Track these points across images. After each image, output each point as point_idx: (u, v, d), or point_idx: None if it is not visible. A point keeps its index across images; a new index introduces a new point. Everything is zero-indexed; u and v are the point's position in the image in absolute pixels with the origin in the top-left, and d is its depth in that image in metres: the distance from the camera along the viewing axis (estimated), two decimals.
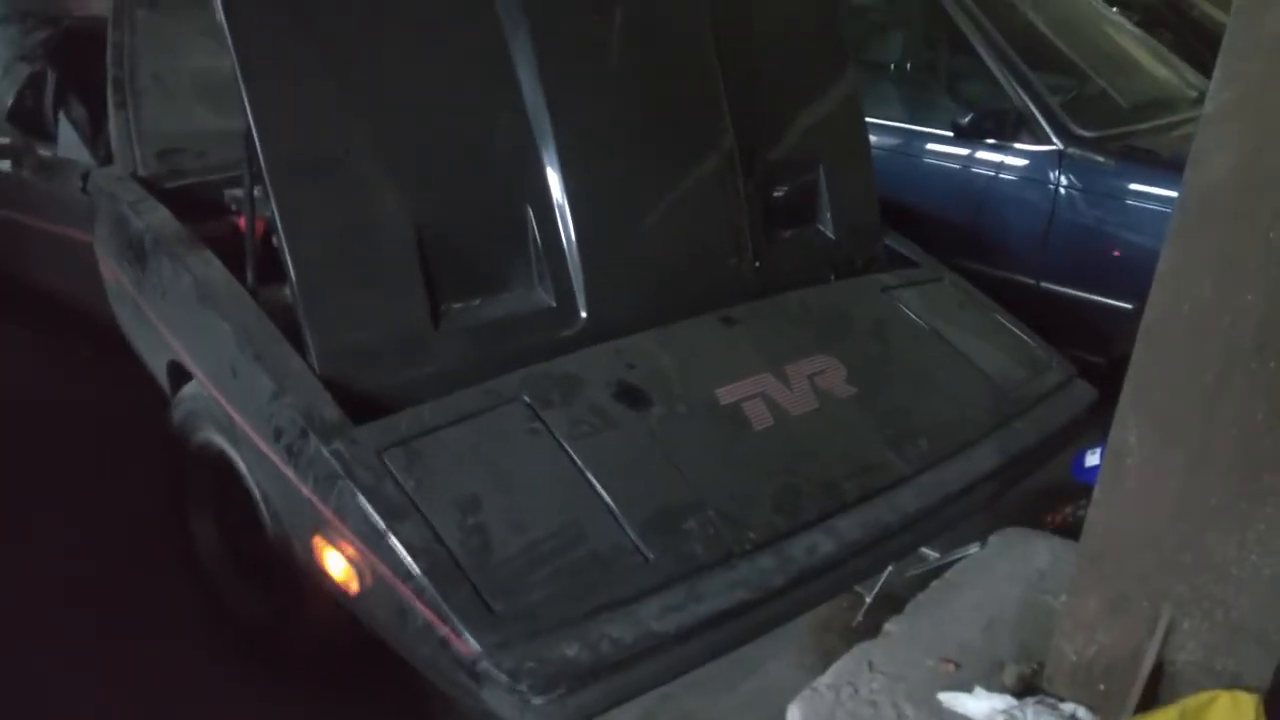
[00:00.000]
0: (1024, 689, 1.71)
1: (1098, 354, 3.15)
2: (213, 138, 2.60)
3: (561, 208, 2.21)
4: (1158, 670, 1.58)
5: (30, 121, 3.06)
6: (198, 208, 2.44)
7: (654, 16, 2.41)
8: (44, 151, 3.01)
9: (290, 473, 1.85)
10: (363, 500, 1.71)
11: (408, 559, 1.65)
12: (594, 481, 1.84)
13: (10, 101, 2.98)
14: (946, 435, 2.24)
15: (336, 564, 1.80)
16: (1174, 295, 1.49)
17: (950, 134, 3.55)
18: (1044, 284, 3.42)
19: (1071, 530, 2.34)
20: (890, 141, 3.74)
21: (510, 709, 1.59)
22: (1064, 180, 3.37)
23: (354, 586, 1.77)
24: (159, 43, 2.68)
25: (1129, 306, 3.18)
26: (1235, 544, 1.50)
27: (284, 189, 1.93)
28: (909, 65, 4.13)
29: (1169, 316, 1.50)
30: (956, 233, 3.51)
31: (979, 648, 1.83)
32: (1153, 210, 3.19)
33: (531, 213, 2.18)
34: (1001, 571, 2.07)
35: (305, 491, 1.82)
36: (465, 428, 1.88)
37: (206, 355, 2.14)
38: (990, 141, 3.50)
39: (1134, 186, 3.26)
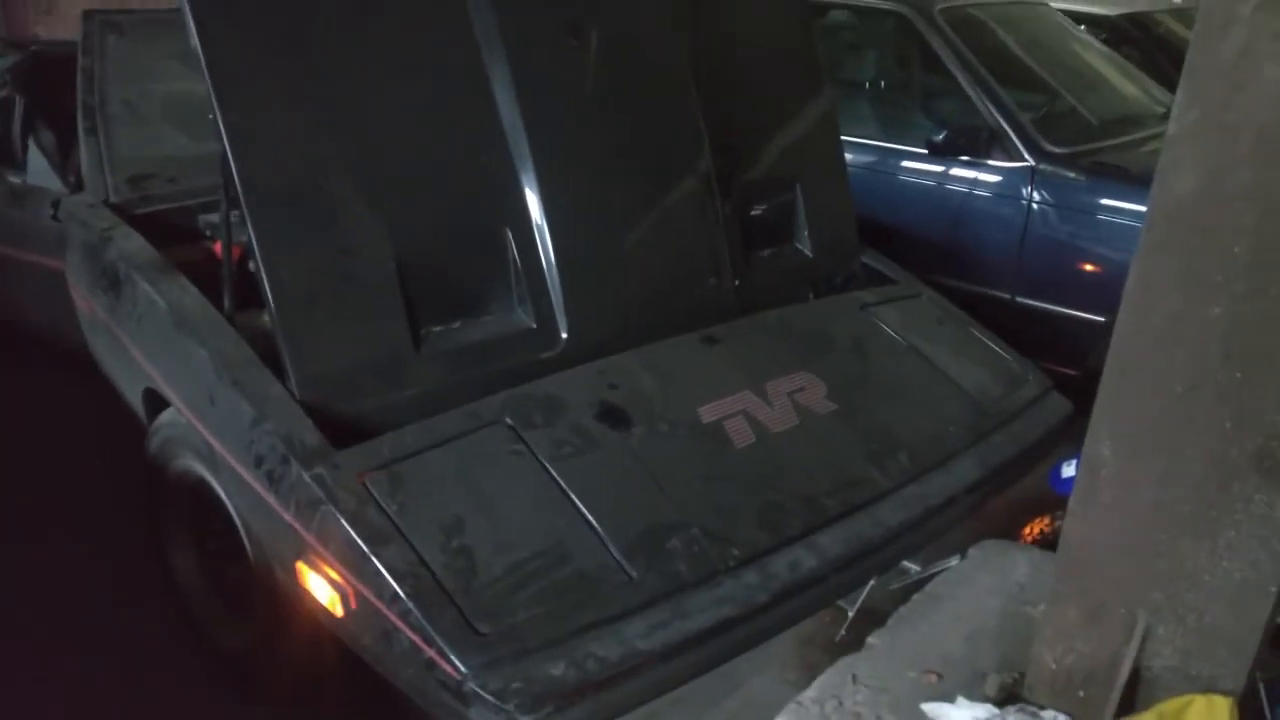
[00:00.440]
0: (1006, 698, 1.73)
1: (1072, 367, 3.20)
2: (184, 163, 2.61)
3: (541, 230, 2.22)
4: (1135, 676, 1.60)
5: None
6: (170, 234, 2.44)
7: (630, 39, 2.44)
8: (13, 179, 3.00)
9: (272, 499, 1.84)
10: (346, 525, 1.71)
11: (392, 582, 1.65)
12: (577, 502, 1.85)
13: None
14: (926, 449, 2.27)
15: (320, 589, 1.79)
16: (1143, 309, 1.52)
17: (924, 151, 3.61)
18: (1019, 299, 3.47)
19: (1049, 542, 2.37)
20: (865, 159, 3.79)
21: None
22: (1036, 196, 3.43)
23: (338, 611, 1.76)
24: (129, 68, 2.69)
25: (1102, 319, 3.23)
26: (1207, 551, 1.53)
27: (261, 214, 1.93)
28: (883, 84, 4.20)
29: (1138, 329, 1.53)
30: (932, 249, 3.57)
31: (961, 659, 1.84)
32: (1123, 225, 3.25)
33: (511, 235, 2.20)
34: (982, 584, 2.09)
35: (287, 517, 1.81)
36: (447, 450, 1.88)
37: (184, 382, 2.13)
38: (964, 159, 3.56)
39: (1104, 201, 3.32)
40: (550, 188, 2.22)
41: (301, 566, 1.82)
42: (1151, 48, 4.91)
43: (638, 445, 2.01)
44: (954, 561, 2.23)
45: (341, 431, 1.89)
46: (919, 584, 2.15)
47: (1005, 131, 3.48)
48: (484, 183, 2.20)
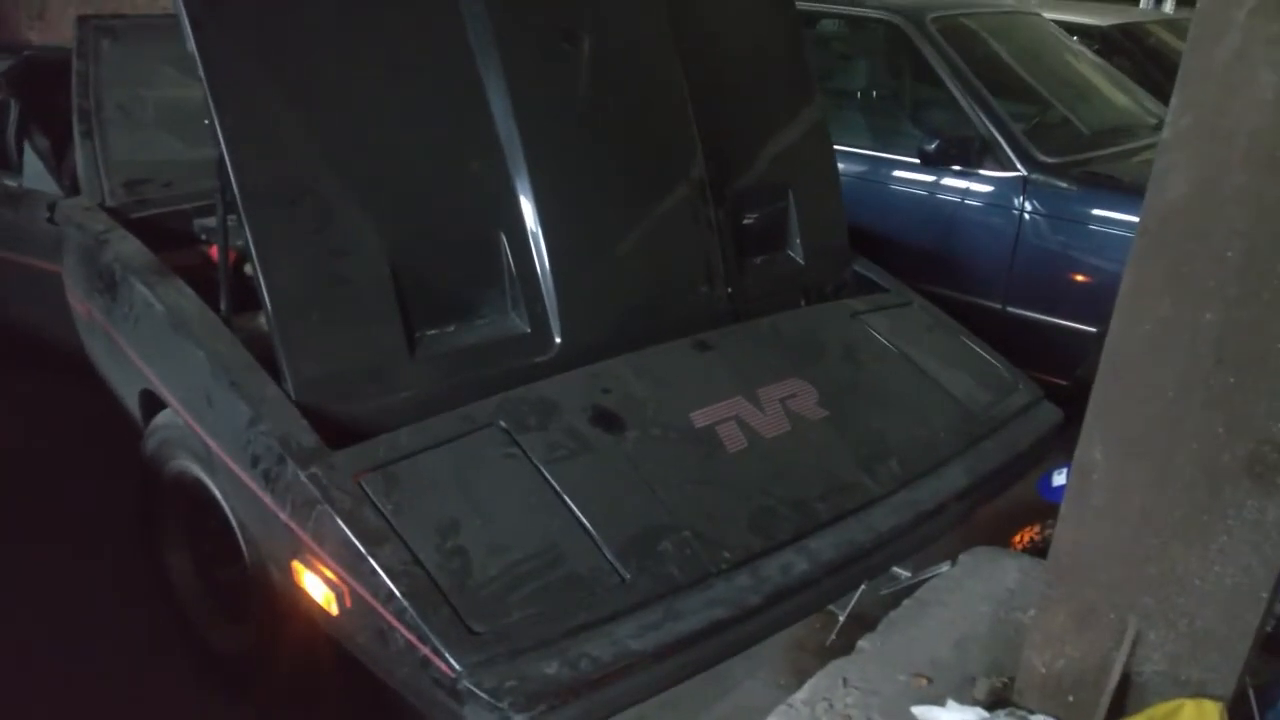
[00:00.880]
0: (995, 702, 1.74)
1: (1063, 376, 3.22)
2: (179, 167, 2.61)
3: (535, 235, 2.23)
4: (1125, 681, 1.61)
5: None
6: (166, 238, 2.44)
7: (624, 47, 2.46)
8: (9, 182, 3.00)
9: (268, 499, 1.85)
10: (341, 524, 1.71)
11: (388, 581, 1.65)
12: (571, 504, 1.86)
13: None
14: (916, 456, 2.28)
15: (316, 588, 1.79)
16: (1136, 314, 1.53)
17: (916, 161, 3.63)
18: (1010, 308, 3.50)
19: (1039, 550, 2.39)
20: (857, 169, 3.81)
21: None
22: (1028, 205, 3.45)
23: (333, 610, 1.76)
24: (123, 73, 2.70)
25: (1093, 329, 3.25)
26: (1198, 556, 1.54)
27: (258, 218, 1.94)
28: (875, 93, 4.23)
29: (1131, 335, 1.55)
30: (923, 258, 3.59)
31: (951, 663, 1.85)
32: (1114, 234, 3.27)
33: (505, 240, 2.21)
34: (972, 589, 2.10)
35: (283, 517, 1.82)
36: (442, 452, 1.89)
37: (181, 383, 2.13)
38: (955, 168, 3.58)
39: (1096, 211, 3.35)
40: (544, 193, 2.24)
41: (297, 566, 1.82)
42: (1143, 58, 4.95)
43: (631, 449, 2.01)
44: (944, 568, 2.25)
45: (337, 433, 1.89)
46: (909, 589, 2.16)
47: (997, 141, 3.50)
48: (478, 188, 2.22)
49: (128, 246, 2.35)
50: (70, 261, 2.54)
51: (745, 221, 2.71)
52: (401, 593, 1.64)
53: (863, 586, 2.13)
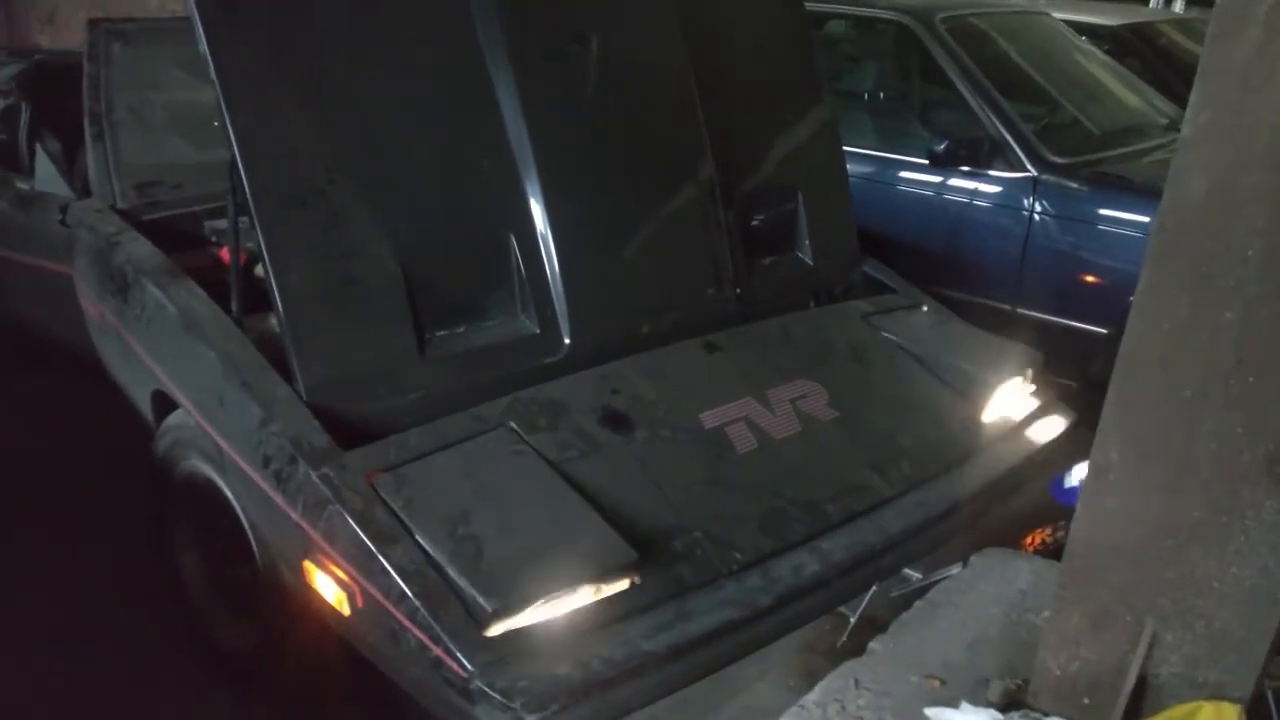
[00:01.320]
0: (1009, 704, 1.72)
1: (1074, 378, 3.20)
2: (190, 170, 2.61)
3: (544, 237, 2.23)
4: (1141, 683, 1.60)
5: (5, 155, 3.05)
6: (177, 240, 2.44)
7: (634, 48, 2.46)
8: (21, 185, 3.01)
9: (279, 499, 1.85)
10: (353, 524, 1.71)
11: (399, 581, 1.65)
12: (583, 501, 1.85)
13: None
14: (927, 458, 2.27)
15: (327, 588, 1.79)
16: (1153, 314, 1.52)
17: (925, 162, 3.62)
18: (1019, 309, 3.48)
19: (1051, 552, 2.37)
20: (866, 170, 3.80)
21: None
22: (1038, 206, 3.44)
23: (345, 610, 1.76)
24: (134, 76, 2.70)
25: (1104, 331, 3.23)
26: (1216, 557, 1.53)
27: (270, 220, 1.94)
28: (884, 94, 4.21)
29: (1149, 335, 1.53)
30: (932, 259, 3.58)
31: (963, 665, 1.84)
32: (1125, 235, 3.26)
33: (515, 242, 2.21)
34: (984, 591, 2.09)
35: (295, 517, 1.82)
36: (453, 453, 1.88)
37: (192, 384, 2.14)
38: (965, 169, 3.57)
39: (1106, 212, 3.33)
40: (553, 194, 2.23)
41: (308, 566, 1.82)
42: (1154, 58, 4.92)
43: (640, 449, 2.01)
44: (956, 569, 2.23)
45: (348, 433, 1.89)
46: (921, 591, 2.15)
47: (1007, 141, 3.49)
48: (488, 189, 2.21)
49: (139, 248, 2.36)
50: (82, 263, 2.55)
51: (754, 222, 2.71)
52: (413, 593, 1.64)
53: (874, 588, 2.12)
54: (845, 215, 2.91)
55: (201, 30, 1.89)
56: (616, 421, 2.05)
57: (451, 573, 1.67)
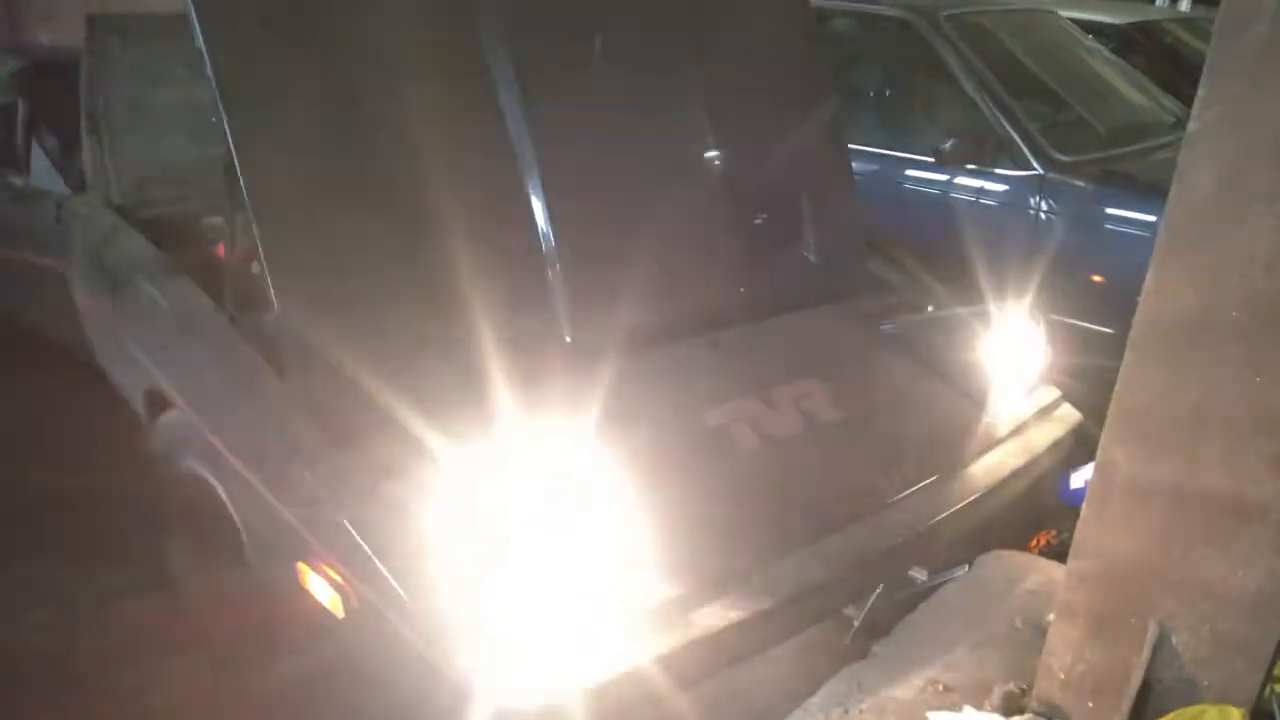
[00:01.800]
0: (1012, 709, 1.70)
1: (1079, 377, 3.18)
2: (186, 166, 2.60)
3: (546, 236, 2.21)
4: (1145, 687, 1.58)
5: (1, 152, 3.05)
6: (173, 236, 2.43)
7: (637, 45, 2.44)
8: (17, 181, 3.00)
9: (273, 499, 1.83)
10: (349, 526, 1.69)
11: (395, 585, 1.63)
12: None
13: None
14: (932, 458, 2.25)
15: (321, 590, 1.77)
16: (1159, 311, 1.50)
17: (931, 160, 3.60)
18: (1026, 308, 3.45)
19: (1056, 554, 2.35)
20: (871, 168, 3.78)
21: None
22: (1044, 205, 3.41)
23: (339, 612, 1.74)
24: (132, 72, 2.69)
25: (1110, 331, 3.21)
26: (1221, 560, 1.50)
27: (266, 218, 1.92)
28: (889, 92, 4.19)
29: (1155, 333, 1.51)
30: (938, 258, 3.55)
31: (967, 668, 1.82)
32: (1131, 234, 3.23)
33: (516, 240, 2.19)
34: (989, 593, 2.07)
35: (288, 517, 1.80)
36: (452, 454, 1.86)
37: (186, 382, 2.12)
38: (971, 167, 3.54)
39: (1112, 210, 3.30)
40: (555, 193, 2.22)
41: (302, 567, 1.81)
42: (1160, 57, 4.90)
43: (641, 449, 1.98)
44: (961, 571, 2.21)
45: (344, 432, 1.86)
46: (925, 593, 2.13)
47: (1013, 139, 3.47)
48: (489, 187, 2.20)
49: (134, 245, 2.35)
50: (77, 260, 2.54)
51: (758, 220, 2.68)
52: (409, 596, 1.62)
53: (878, 590, 2.09)
54: (850, 213, 2.89)
55: (198, 25, 1.88)
56: (617, 421, 2.03)
57: (448, 577, 1.65)
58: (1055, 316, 3.38)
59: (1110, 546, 1.61)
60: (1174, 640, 1.56)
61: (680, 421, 2.08)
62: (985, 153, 3.48)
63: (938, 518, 2.13)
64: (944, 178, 3.65)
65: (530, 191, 2.22)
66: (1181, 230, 1.47)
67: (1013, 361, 2.60)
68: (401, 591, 1.62)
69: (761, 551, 1.90)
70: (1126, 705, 1.57)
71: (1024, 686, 1.75)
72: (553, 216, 2.21)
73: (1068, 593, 1.68)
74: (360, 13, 2.10)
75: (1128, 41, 4.95)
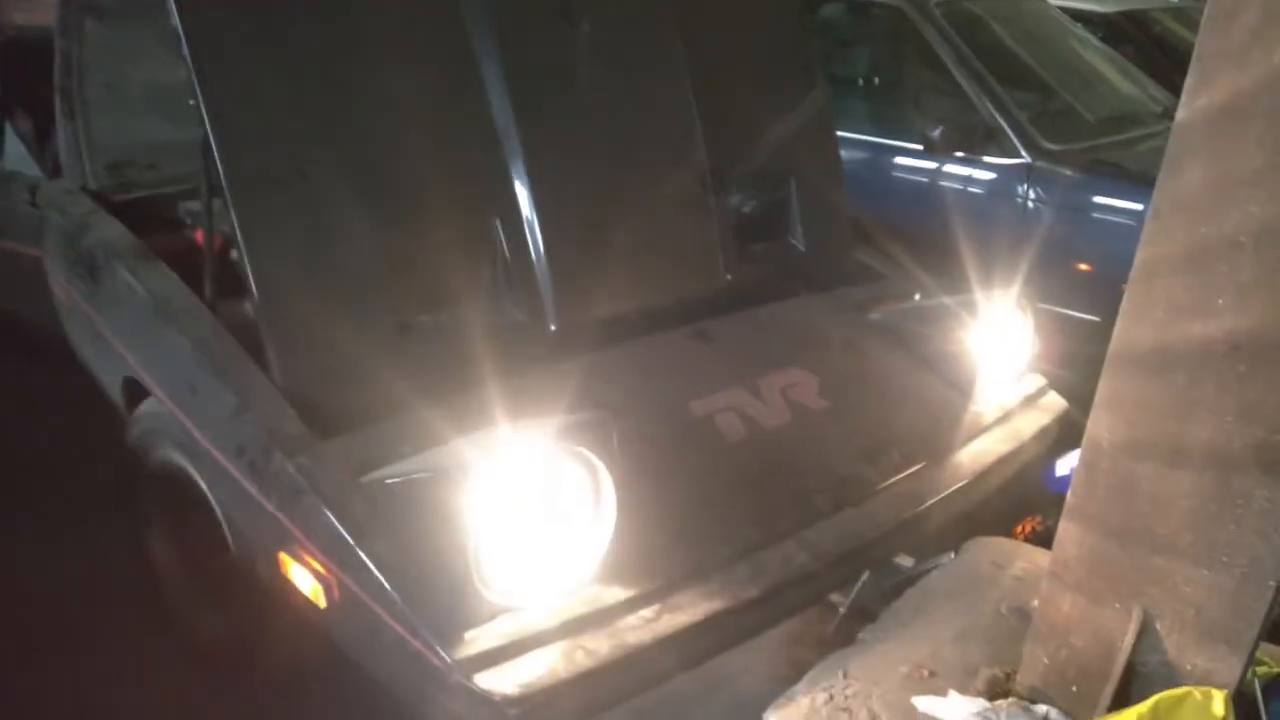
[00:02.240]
0: (997, 693, 1.70)
1: (1066, 366, 3.18)
2: (164, 150, 2.56)
3: (530, 222, 2.19)
4: (1129, 671, 1.58)
5: None
6: (150, 222, 2.39)
7: (624, 28, 2.41)
8: None
9: (254, 489, 1.81)
10: (330, 515, 1.67)
11: (377, 574, 1.61)
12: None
13: None
14: (919, 447, 2.24)
15: (303, 580, 1.76)
16: (1146, 298, 1.49)
17: (919, 148, 3.59)
18: (1014, 297, 3.44)
19: (1043, 540, 2.35)
20: (860, 156, 3.77)
21: (486, 719, 1.55)
22: (1032, 194, 3.41)
23: (321, 602, 1.73)
24: (107, 52, 2.63)
25: (1097, 319, 3.21)
26: (1206, 546, 1.50)
27: (244, 202, 1.89)
28: (878, 80, 4.18)
29: (1141, 321, 1.51)
30: (925, 246, 3.54)
31: (953, 654, 1.82)
32: (1119, 223, 3.23)
33: (499, 226, 2.17)
34: (975, 579, 2.07)
35: (270, 508, 1.78)
36: (437, 451, 1.84)
37: (165, 371, 2.09)
38: (959, 155, 3.54)
39: (1100, 199, 3.30)
40: (540, 179, 2.19)
41: (284, 557, 1.79)
42: (1149, 46, 4.90)
43: (627, 440, 1.97)
44: (947, 558, 2.21)
45: (325, 422, 1.85)
46: (911, 580, 2.12)
47: (1002, 127, 3.46)
48: (472, 172, 2.17)
49: (110, 230, 2.30)
50: (52, 246, 2.50)
51: (746, 209, 2.67)
52: (392, 585, 1.60)
53: (864, 577, 2.09)
54: (838, 202, 2.87)
55: (173, 4, 1.85)
56: (603, 411, 2.02)
57: (431, 567, 1.64)
58: (1043, 305, 3.39)
59: (1095, 532, 1.61)
60: (1158, 626, 1.56)
61: (666, 411, 2.07)
62: (974, 141, 3.47)
63: (923, 505, 2.13)
64: (932, 166, 3.64)
65: (514, 178, 2.19)
66: (1168, 218, 1.46)
67: (999, 350, 2.60)
68: (384, 581, 1.61)
69: (748, 540, 1.89)
70: (1110, 689, 1.57)
71: (1009, 671, 1.75)
72: (537, 203, 2.19)
73: (1052, 578, 1.68)
74: None
75: (1117, 30, 4.96)
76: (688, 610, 1.73)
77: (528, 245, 2.19)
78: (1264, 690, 1.61)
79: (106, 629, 2.38)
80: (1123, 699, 1.58)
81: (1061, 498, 1.68)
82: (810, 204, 2.76)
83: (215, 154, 1.88)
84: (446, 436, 1.82)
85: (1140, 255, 1.49)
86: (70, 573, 2.55)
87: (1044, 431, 2.48)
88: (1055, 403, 2.58)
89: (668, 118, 2.47)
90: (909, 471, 2.18)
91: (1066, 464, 2.62)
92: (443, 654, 1.55)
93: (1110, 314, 1.56)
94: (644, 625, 1.68)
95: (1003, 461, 2.33)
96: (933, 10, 3.72)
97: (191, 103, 1.88)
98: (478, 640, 1.57)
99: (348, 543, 1.65)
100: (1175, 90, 1.46)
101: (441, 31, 2.15)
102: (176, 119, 2.52)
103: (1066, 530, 1.66)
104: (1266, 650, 1.66)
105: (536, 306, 2.19)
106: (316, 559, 1.71)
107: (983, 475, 2.27)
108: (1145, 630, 1.58)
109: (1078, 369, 3.17)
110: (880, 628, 1.92)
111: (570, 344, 2.17)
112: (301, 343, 1.93)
